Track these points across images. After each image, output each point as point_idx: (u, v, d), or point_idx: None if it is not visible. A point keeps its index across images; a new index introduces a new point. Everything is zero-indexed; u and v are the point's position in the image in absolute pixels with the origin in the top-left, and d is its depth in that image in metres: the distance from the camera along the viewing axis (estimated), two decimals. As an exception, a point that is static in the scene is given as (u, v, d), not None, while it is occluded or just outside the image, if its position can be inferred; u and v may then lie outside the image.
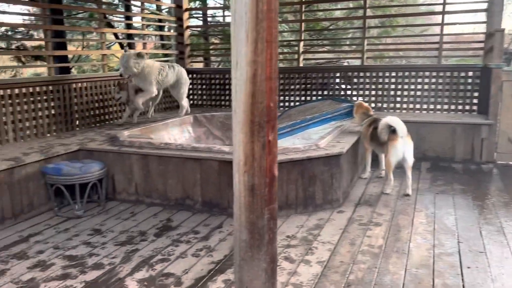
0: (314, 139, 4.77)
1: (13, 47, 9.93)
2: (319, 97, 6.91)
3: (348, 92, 6.91)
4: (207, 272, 2.93)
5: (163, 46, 9.14)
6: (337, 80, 7.01)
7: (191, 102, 7.89)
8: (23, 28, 9.36)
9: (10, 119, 4.65)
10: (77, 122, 5.52)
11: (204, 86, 7.80)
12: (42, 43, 9.23)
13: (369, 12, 7.09)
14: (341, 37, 10.57)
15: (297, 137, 4.94)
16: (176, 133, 6.10)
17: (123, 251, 3.26)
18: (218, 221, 3.86)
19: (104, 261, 3.10)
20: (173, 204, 4.23)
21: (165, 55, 8.84)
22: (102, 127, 5.62)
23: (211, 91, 7.74)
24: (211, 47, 10.56)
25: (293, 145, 4.33)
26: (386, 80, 6.65)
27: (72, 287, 2.74)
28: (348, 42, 9.72)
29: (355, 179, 4.87)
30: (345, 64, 10.93)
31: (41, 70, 11.99)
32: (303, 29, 7.34)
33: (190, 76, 7.83)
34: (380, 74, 6.67)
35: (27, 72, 12.74)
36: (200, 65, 10.24)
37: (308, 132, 4.93)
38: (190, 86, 7.87)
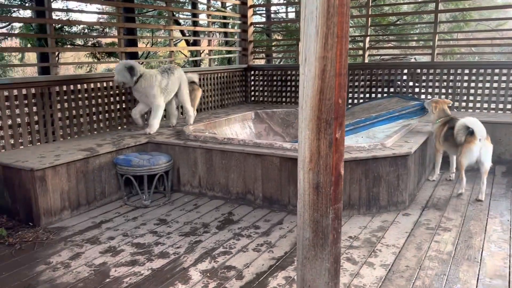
0: (379, 138, 4.62)
1: (89, 44, 10.60)
2: (385, 95, 6.68)
3: (416, 90, 6.61)
4: (268, 267, 2.94)
5: (226, 43, 9.30)
6: (404, 77, 6.74)
7: (253, 98, 7.97)
8: (98, 26, 9.96)
9: (85, 112, 4.96)
10: (146, 116, 5.77)
11: (265, 83, 7.83)
12: (115, 40, 9.75)
13: (440, 6, 6.71)
14: (408, 33, 10.14)
15: (360, 135, 4.81)
16: (238, 129, 6.19)
17: (187, 241, 3.36)
18: (278, 217, 3.86)
19: (170, 250, 3.21)
20: (234, 198, 4.29)
21: (229, 52, 8.98)
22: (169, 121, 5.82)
23: (272, 87, 7.76)
24: (273, 43, 10.58)
25: (357, 143, 4.22)
26: (458, 78, 6.28)
27: (140, 274, 2.87)
28: (415, 38, 9.32)
29: (422, 181, 4.66)
30: (412, 60, 10.49)
31: (113, 66, 12.70)
32: (369, 24, 7.12)
33: (252, 72, 7.92)
34: (452, 71, 6.32)
35: (100, 68, 13.56)
36: (261, 62, 10.30)
37: (373, 131, 4.78)
38: (252, 83, 7.97)
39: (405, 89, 6.69)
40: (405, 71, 6.75)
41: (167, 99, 5.12)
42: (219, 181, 4.35)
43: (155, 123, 4.94)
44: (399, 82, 6.71)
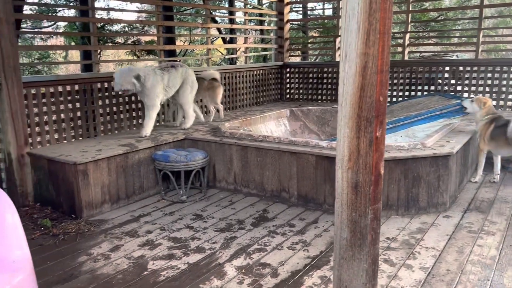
0: (419, 137, 4.50)
1: (129, 42, 10.89)
2: (425, 93, 6.49)
3: (458, 88, 6.39)
4: (303, 266, 2.92)
5: (262, 41, 9.29)
6: (446, 75, 6.52)
7: (288, 96, 7.94)
8: (138, 25, 10.21)
9: (125, 108, 5.10)
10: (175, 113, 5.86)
11: (300, 80, 7.78)
12: (153, 38, 9.96)
13: (485, 1, 6.44)
14: (450, 29, 9.78)
15: (399, 134, 4.70)
16: (273, 126, 6.18)
17: (223, 237, 3.39)
18: (314, 216, 3.83)
19: (205, 245, 3.25)
20: (269, 196, 4.29)
21: (264, 49, 8.98)
22: (205, 118, 5.88)
23: (308, 85, 7.70)
24: (309, 40, 10.49)
25: (395, 142, 4.12)
26: (504, 76, 6.01)
27: (176, 267, 2.92)
28: (458, 34, 9.00)
29: (464, 182, 4.49)
30: (454, 57, 10.14)
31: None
32: (409, 20, 6.93)
33: (288, 70, 7.88)
34: (497, 68, 6.05)
35: (138, 66, 13.92)
36: (297, 59, 10.23)
37: (413, 130, 4.65)
38: (287, 80, 7.93)
39: (446, 87, 6.48)
40: (447, 68, 6.53)
41: (167, 96, 4.89)
42: (254, 178, 4.36)
43: (150, 124, 4.70)
44: (440, 80, 6.50)
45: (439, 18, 11.05)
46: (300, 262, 2.97)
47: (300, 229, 3.54)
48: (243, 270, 2.87)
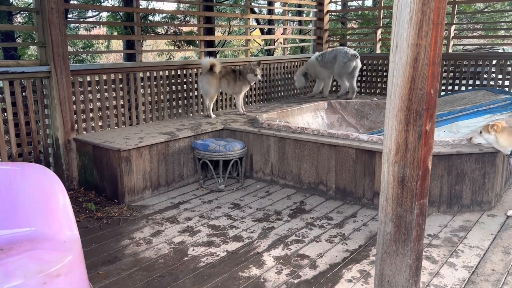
0: (463, 133, 4.34)
1: (170, 32, 11.02)
2: (470, 87, 6.25)
3: (506, 83, 6.12)
4: (341, 259, 2.90)
5: (300, 32, 9.19)
6: (492, 69, 6.25)
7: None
8: (180, 15, 10.33)
9: (166, 97, 5.19)
10: (221, 103, 5.92)
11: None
12: (193, 28, 10.05)
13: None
14: (497, 21, 9.35)
15: (442, 129, 4.55)
16: (310, 118, 6.14)
17: (260, 227, 3.42)
18: (352, 210, 3.79)
19: (243, 234, 3.29)
20: (306, 188, 4.28)
21: (302, 41, 8.89)
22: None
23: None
24: (348, 32, 10.31)
25: (439, 138, 4.00)
26: (557, 70, 5.71)
27: (216, 254, 2.97)
28: (505, 26, 8.62)
29: (510, 180, 4.32)
30: (500, 51, 9.72)
31: (189, 54, 13.10)
32: (455, 11, 6.68)
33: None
34: (550, 62, 5.75)
35: (177, 56, 14.09)
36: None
37: (456, 125, 4.50)
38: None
39: (493, 82, 6.22)
40: (494, 62, 6.26)
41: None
42: (291, 170, 4.36)
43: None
44: (486, 75, 6.24)
45: (486, 10, 10.57)
46: (339, 255, 2.96)
47: (338, 223, 3.52)
48: (281, 260, 2.88)
